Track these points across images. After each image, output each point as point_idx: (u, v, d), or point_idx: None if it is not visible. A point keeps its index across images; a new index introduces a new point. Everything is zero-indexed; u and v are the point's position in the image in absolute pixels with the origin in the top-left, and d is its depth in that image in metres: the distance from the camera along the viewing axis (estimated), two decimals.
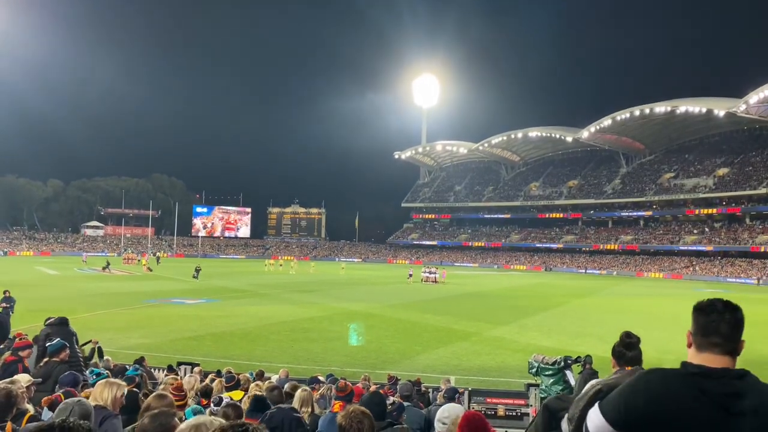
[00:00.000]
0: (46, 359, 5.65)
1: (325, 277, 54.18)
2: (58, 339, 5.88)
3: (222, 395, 6.80)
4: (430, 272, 53.41)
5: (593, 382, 2.28)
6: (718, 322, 1.97)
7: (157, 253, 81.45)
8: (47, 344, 5.81)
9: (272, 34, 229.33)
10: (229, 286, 41.00)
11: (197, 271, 47.79)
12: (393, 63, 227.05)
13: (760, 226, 77.14)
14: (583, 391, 2.21)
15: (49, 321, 7.15)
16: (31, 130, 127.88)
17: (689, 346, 2.01)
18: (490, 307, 33.05)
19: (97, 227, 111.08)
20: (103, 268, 52.90)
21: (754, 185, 76.35)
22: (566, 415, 2.34)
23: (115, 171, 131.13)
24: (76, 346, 6.86)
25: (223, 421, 2.86)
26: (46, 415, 4.15)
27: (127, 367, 9.42)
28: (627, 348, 3.18)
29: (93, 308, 26.37)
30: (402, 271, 62.40)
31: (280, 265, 69.61)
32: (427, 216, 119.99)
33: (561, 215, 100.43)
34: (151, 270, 55.00)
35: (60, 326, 6.98)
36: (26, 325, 16.32)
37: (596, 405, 2.02)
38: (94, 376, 6.32)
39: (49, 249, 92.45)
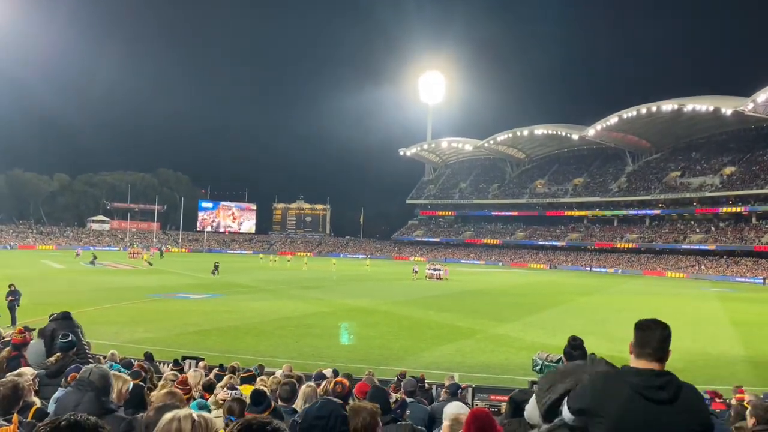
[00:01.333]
0: (58, 354, 5.67)
1: (345, 274, 54.20)
2: (71, 335, 5.91)
3: (236, 385, 6.84)
4: (434, 269, 53.46)
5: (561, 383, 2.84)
6: (651, 337, 2.58)
7: (162, 248, 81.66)
8: (61, 340, 5.83)
9: (278, 29, 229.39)
10: (233, 282, 41.08)
11: (216, 267, 46.21)
12: (398, 59, 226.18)
13: (767, 226, 76.76)
14: (554, 387, 2.81)
15: (52, 316, 7.16)
16: (38, 125, 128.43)
17: (630, 353, 2.63)
18: (494, 304, 33.03)
19: (103, 221, 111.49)
20: (90, 262, 52.51)
21: (761, 184, 75.95)
22: (531, 401, 3.01)
23: (121, 165, 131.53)
24: (83, 339, 6.88)
25: (213, 418, 2.88)
26: (51, 407, 4.17)
27: (133, 361, 9.46)
28: (573, 349, 3.90)
29: (98, 302, 26.48)
30: (406, 267, 62.39)
31: (288, 260, 69.80)
32: (431, 213, 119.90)
33: (566, 213, 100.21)
34: (151, 264, 54.95)
35: (64, 320, 6.99)
36: (31, 318, 16.43)
37: (565, 399, 2.65)
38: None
39: (54, 243, 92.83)
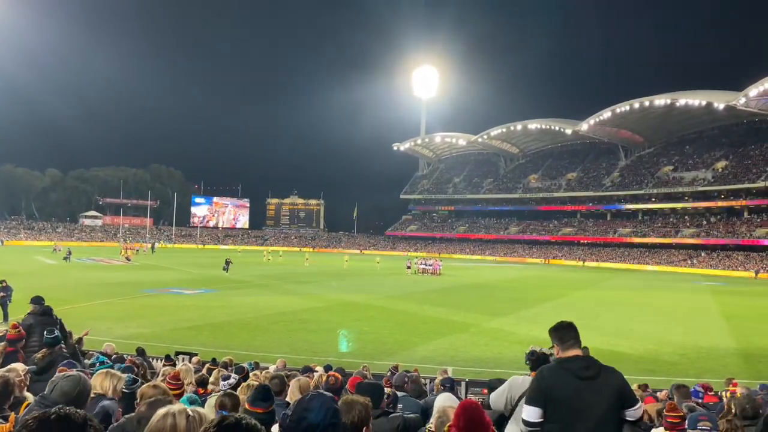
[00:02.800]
0: (45, 350, 5.63)
1: (361, 269, 54.16)
2: (56, 331, 5.86)
3: (231, 374, 6.81)
4: (427, 263, 53.55)
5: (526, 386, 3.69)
6: (567, 332, 3.56)
7: (155, 243, 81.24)
8: (46, 335, 5.78)
9: (271, 24, 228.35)
10: (227, 277, 41.01)
11: (227, 263, 44.85)
12: (392, 54, 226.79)
13: (758, 220, 77.22)
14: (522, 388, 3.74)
15: (32, 310, 7.08)
16: (30, 120, 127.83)
17: (557, 354, 3.57)
18: (488, 298, 33.12)
19: (95, 217, 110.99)
20: (64, 258, 51.78)
21: (752, 178, 76.36)
22: (498, 390, 3.97)
23: (113, 161, 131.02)
24: (62, 336, 6.85)
25: (206, 413, 2.86)
26: None
27: (125, 357, 9.43)
28: (533, 367, 4.54)
29: (91, 298, 26.37)
30: (400, 262, 62.37)
31: (280, 255, 69.63)
32: (425, 208, 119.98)
33: (560, 207, 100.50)
34: (129, 260, 54.25)
35: (44, 316, 6.91)
36: (23, 314, 16.32)
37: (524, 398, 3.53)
38: (98, 363, 6.34)
39: (46, 239, 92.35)
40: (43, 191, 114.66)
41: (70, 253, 53.87)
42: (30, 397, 4.20)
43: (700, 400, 7.39)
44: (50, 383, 3.57)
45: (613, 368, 3.48)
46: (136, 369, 7.19)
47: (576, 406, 3.27)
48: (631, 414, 3.40)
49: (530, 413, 3.37)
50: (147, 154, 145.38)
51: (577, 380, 3.30)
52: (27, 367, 4.95)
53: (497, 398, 3.92)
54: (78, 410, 1.98)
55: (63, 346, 5.92)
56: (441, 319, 23.91)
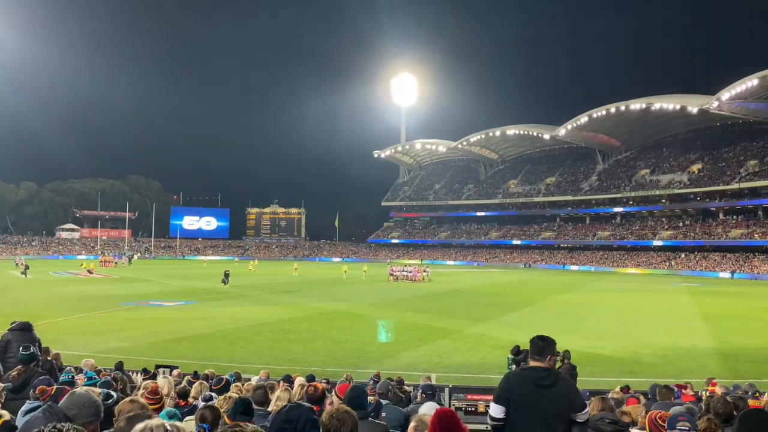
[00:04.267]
0: (20, 368, 5.51)
1: (347, 277, 53.92)
2: (32, 347, 5.74)
3: (212, 394, 6.72)
4: (407, 270, 54.04)
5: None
6: (536, 345, 4.20)
7: (132, 255, 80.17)
8: (22, 353, 5.65)
9: (249, 33, 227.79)
10: (207, 288, 40.63)
11: (227, 275, 43.19)
12: (371, 62, 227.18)
13: (733, 221, 78.61)
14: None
15: (11, 326, 6.94)
16: (3, 132, 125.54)
17: (532, 359, 4.22)
18: (470, 304, 33.20)
19: (72, 230, 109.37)
20: (22, 273, 50.05)
21: (726, 180, 77.76)
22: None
23: (90, 173, 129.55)
24: (39, 353, 6.71)
25: (185, 427, 2.83)
26: (20, 421, 4.05)
27: (101, 371, 9.26)
28: (517, 364, 5.34)
29: (69, 312, 25.94)
30: (383, 270, 62.32)
31: (255, 264, 69.11)
32: (407, 215, 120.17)
33: (539, 212, 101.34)
34: (91, 272, 53.19)
35: (23, 332, 6.77)
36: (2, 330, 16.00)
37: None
38: (86, 379, 6.23)
39: (22, 253, 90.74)
40: (18, 204, 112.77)
41: (27, 267, 51.35)
42: (6, 414, 4.11)
43: (678, 400, 7.48)
44: (65, 400, 3.50)
45: (569, 379, 4.35)
46: (114, 384, 7.08)
47: (532, 408, 3.93)
48: (580, 417, 4.02)
49: (495, 410, 4.06)
50: (125, 166, 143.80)
51: (535, 387, 3.96)
52: (2, 385, 4.85)
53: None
54: (77, 426, 1.96)
55: (39, 362, 5.80)
56: (424, 326, 23.90)
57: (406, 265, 60.32)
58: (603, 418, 4.78)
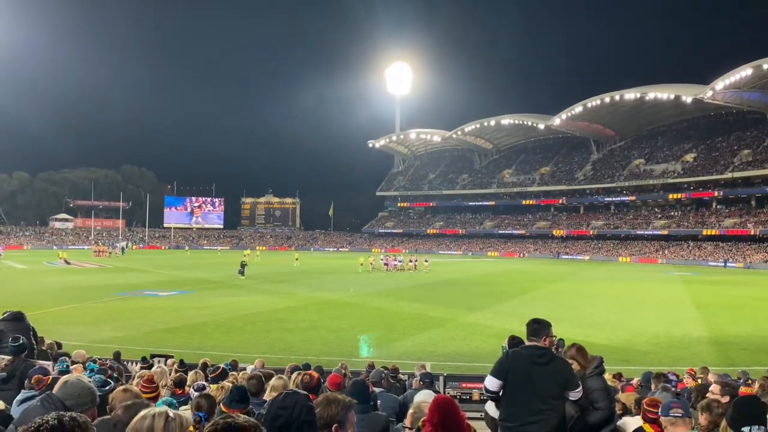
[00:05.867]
0: (9, 358, 5.49)
1: (340, 266, 53.94)
2: (22, 338, 5.71)
3: (205, 383, 6.73)
4: (397, 260, 54.59)
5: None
6: (532, 326, 4.51)
7: (125, 245, 79.82)
8: (11, 343, 5.62)
9: (243, 23, 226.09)
10: (202, 277, 40.60)
11: (243, 266, 42.38)
12: (365, 51, 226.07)
13: (727, 210, 79.01)
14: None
15: (3, 316, 6.90)
16: None
17: (529, 340, 4.50)
18: (465, 293, 33.31)
19: (66, 220, 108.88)
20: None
21: (720, 170, 78.07)
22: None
23: (83, 162, 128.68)
24: (34, 341, 6.68)
25: (187, 414, 2.83)
26: (16, 411, 4.05)
27: (97, 360, 9.26)
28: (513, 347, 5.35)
29: (63, 302, 25.89)
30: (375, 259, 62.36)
31: (257, 255, 68.92)
32: (402, 204, 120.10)
33: (534, 202, 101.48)
34: (68, 263, 52.94)
35: (14, 321, 6.72)
36: None
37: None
38: (88, 371, 6.21)
39: (16, 243, 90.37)
40: (11, 194, 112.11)
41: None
42: (0, 403, 4.10)
43: (673, 388, 7.54)
44: (61, 383, 3.58)
45: (564, 359, 4.66)
46: (110, 372, 7.08)
47: (527, 383, 4.20)
48: (572, 395, 4.32)
49: (491, 383, 4.37)
50: (118, 155, 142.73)
51: (531, 364, 4.24)
52: None
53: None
54: (78, 416, 1.96)
55: (33, 352, 5.78)
56: (418, 315, 23.98)
57: (395, 256, 60.58)
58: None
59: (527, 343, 4.51)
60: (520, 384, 4.24)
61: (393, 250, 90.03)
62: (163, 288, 33.09)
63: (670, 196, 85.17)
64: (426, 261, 54.75)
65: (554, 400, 4.22)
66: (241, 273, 41.32)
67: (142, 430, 2.37)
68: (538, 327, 4.46)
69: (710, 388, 5.53)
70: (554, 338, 5.67)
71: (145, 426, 2.38)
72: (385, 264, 53.11)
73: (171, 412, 2.47)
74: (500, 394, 4.36)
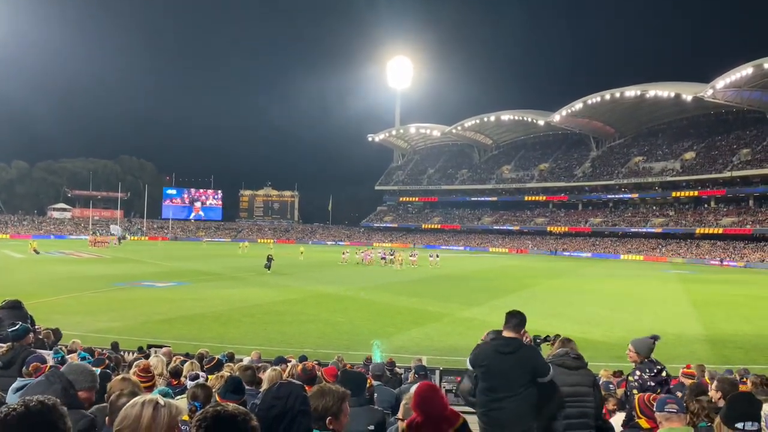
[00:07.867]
0: (9, 344, 5.50)
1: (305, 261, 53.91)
2: (21, 324, 5.72)
3: (199, 372, 6.75)
4: (391, 254, 54.22)
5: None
6: (508, 320, 4.69)
7: (122, 235, 79.73)
8: (9, 330, 5.63)
9: (243, 15, 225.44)
10: (200, 269, 40.58)
11: (269, 260, 41.44)
12: (366, 45, 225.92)
13: (724, 209, 79.08)
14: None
15: (2, 304, 6.91)
16: None
17: (504, 331, 4.70)
18: (462, 288, 33.34)
19: (64, 209, 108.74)
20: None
21: (719, 168, 78.08)
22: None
23: (82, 152, 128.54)
24: (32, 329, 6.69)
25: (182, 403, 2.82)
26: (11, 398, 4.05)
27: (94, 350, 9.27)
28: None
29: (60, 292, 25.89)
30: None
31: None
32: (400, 199, 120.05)
33: (532, 198, 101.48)
34: (38, 252, 52.43)
35: (12, 309, 6.73)
36: None
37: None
38: (80, 359, 6.21)
39: (12, 232, 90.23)
40: (9, 183, 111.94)
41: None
42: None
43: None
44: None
45: (532, 347, 4.95)
46: (108, 362, 7.09)
47: (495, 372, 4.42)
48: (544, 380, 4.46)
49: (465, 384, 4.67)
50: (117, 146, 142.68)
51: (497, 354, 4.46)
52: None
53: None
54: (46, 398, 1.95)
55: (34, 335, 5.79)
56: (416, 309, 24.02)
57: (389, 250, 60.33)
58: (568, 353, 4.93)
59: (504, 333, 4.70)
60: (489, 373, 4.45)
61: (400, 245, 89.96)
62: (161, 279, 33.10)
63: (669, 194, 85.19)
64: (431, 257, 53.44)
65: (523, 387, 4.36)
66: (268, 267, 40.61)
67: (131, 418, 2.36)
68: (507, 318, 4.71)
69: (712, 385, 5.56)
70: (549, 339, 5.78)
71: (134, 413, 2.37)
72: (382, 258, 53.02)
73: (161, 400, 2.46)
74: (475, 389, 4.54)
